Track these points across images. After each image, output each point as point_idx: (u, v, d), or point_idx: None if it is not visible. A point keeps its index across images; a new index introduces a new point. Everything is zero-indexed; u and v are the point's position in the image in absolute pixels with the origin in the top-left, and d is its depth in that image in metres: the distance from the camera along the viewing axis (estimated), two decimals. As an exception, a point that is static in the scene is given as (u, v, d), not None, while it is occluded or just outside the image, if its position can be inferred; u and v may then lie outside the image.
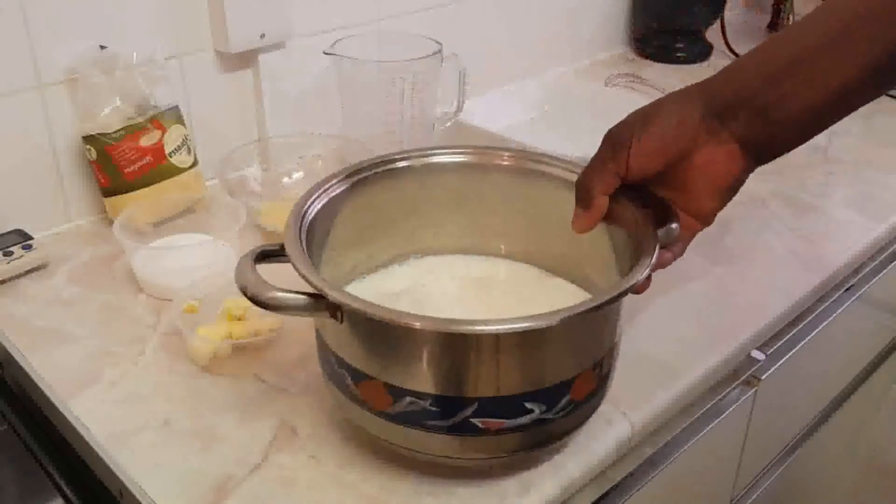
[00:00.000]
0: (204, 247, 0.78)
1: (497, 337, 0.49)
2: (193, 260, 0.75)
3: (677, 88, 0.58)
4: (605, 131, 0.56)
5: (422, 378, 0.50)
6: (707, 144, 0.55)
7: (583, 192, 0.57)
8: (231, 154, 0.90)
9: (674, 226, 0.55)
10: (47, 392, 0.65)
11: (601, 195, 0.56)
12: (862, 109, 0.56)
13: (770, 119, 0.54)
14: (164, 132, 0.84)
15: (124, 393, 0.64)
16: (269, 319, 0.69)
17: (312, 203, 0.59)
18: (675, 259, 0.60)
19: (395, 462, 0.57)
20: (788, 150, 0.57)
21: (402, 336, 0.50)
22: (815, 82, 0.53)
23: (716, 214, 0.59)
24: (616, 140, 0.56)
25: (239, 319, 0.69)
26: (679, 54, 1.39)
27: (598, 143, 0.57)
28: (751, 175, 0.58)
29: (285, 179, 0.94)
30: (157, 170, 0.84)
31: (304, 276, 0.51)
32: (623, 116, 0.56)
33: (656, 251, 0.53)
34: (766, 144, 0.56)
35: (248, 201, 0.83)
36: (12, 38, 0.77)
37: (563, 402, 0.52)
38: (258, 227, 0.85)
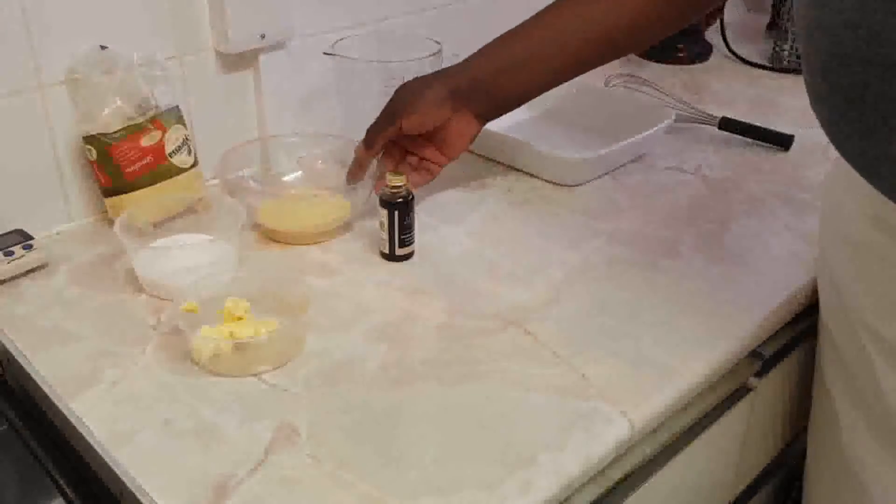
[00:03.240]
0: (204, 247, 0.78)
1: None
2: (193, 260, 0.75)
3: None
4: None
5: None
6: (454, 118, 0.83)
7: (369, 138, 0.83)
8: (231, 154, 0.90)
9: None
10: (48, 392, 0.65)
11: (380, 143, 0.83)
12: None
13: (497, 99, 0.84)
14: (164, 132, 0.84)
15: (125, 393, 0.64)
16: (268, 319, 0.69)
17: None
18: (424, 182, 0.86)
19: (394, 462, 0.57)
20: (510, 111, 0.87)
21: None
22: (532, 76, 0.83)
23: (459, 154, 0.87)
24: (391, 112, 0.82)
25: (239, 319, 0.69)
26: (678, 54, 1.39)
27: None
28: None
29: (285, 179, 0.94)
30: (158, 170, 0.84)
31: None
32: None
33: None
34: (493, 114, 0.86)
35: (248, 201, 0.83)
36: (12, 38, 0.77)
37: None
38: (258, 227, 0.85)
